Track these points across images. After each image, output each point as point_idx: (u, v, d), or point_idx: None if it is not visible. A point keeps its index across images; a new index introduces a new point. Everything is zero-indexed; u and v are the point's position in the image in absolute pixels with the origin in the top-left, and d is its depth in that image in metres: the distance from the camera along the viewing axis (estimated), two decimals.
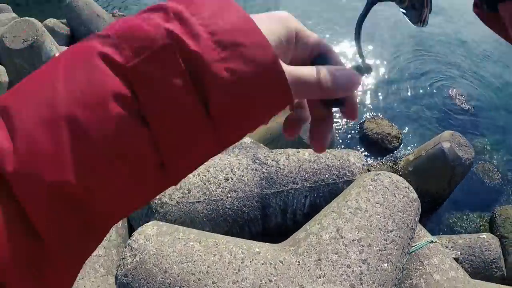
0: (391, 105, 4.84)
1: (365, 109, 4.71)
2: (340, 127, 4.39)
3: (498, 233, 3.35)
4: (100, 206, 0.27)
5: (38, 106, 0.25)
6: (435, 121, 4.68)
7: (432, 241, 2.46)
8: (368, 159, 4.08)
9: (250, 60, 0.27)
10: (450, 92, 4.99)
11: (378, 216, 1.86)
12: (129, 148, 0.26)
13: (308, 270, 1.68)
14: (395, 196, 1.99)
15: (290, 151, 2.46)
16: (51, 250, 0.25)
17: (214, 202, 2.23)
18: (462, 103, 4.89)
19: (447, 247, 2.92)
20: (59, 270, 0.27)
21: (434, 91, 5.00)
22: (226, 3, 0.28)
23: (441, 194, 3.63)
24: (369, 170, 3.70)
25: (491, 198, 4.00)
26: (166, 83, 0.26)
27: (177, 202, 2.13)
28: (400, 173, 3.55)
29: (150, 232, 1.77)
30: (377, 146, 4.23)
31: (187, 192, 2.17)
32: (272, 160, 2.38)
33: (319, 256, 1.72)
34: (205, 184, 2.22)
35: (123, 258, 1.65)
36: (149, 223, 1.88)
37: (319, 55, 0.34)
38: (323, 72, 0.31)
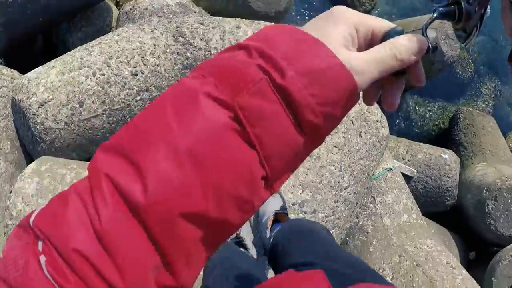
0: None
1: None
2: None
3: (457, 138, 3.05)
4: (221, 222, 0.31)
5: (158, 146, 0.29)
6: None
7: (390, 169, 2.07)
8: None
9: (328, 85, 0.31)
10: None
11: (333, 168, 1.35)
12: (244, 169, 0.30)
13: None
14: (361, 137, 1.45)
15: (228, 24, 1.72)
16: (173, 261, 0.30)
17: (118, 112, 1.59)
18: None
19: (404, 159, 2.58)
20: (178, 274, 0.31)
21: None
22: (296, 34, 0.32)
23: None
24: None
25: (459, 93, 3.60)
26: (266, 110, 0.30)
27: (65, 123, 1.46)
28: None
29: (29, 189, 1.30)
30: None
31: (77, 106, 1.48)
32: (201, 40, 1.66)
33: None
34: (103, 88, 1.53)
35: (5, 226, 1.31)
36: (28, 169, 1.40)
37: (384, 34, 0.36)
38: (395, 46, 0.35)
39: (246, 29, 1.70)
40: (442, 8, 0.41)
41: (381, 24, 0.36)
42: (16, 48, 2.06)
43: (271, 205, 1.46)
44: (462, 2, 0.40)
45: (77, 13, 2.20)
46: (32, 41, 2.29)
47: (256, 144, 0.30)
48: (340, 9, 0.35)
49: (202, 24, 1.67)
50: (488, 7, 0.40)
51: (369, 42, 0.36)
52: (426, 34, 0.39)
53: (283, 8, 2.43)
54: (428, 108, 3.49)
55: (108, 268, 0.28)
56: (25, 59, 2.14)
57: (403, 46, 0.35)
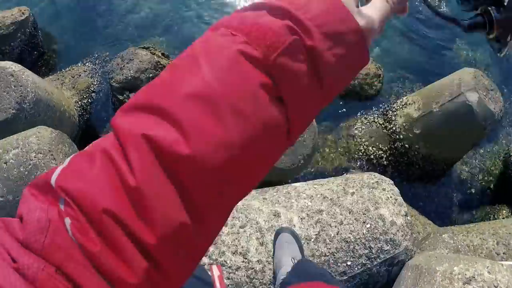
0: None
1: None
2: None
3: None
4: (246, 169, 0.33)
5: (194, 99, 0.30)
6: (415, 34, 3.39)
7: None
8: (347, 118, 3.06)
9: (348, 44, 0.35)
10: None
11: None
12: (272, 120, 0.33)
13: None
14: None
15: None
16: (204, 216, 0.31)
17: None
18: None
19: None
20: (207, 224, 0.32)
21: None
22: None
23: (457, 160, 2.80)
24: (353, 138, 2.81)
25: None
26: (296, 70, 0.33)
27: None
28: (402, 136, 2.71)
29: None
30: (354, 96, 3.05)
31: None
32: None
33: None
34: None
35: None
36: None
37: None
38: None
39: None
40: (471, 20, 0.41)
41: None
42: None
43: (286, 256, 1.55)
44: (491, 11, 0.39)
45: None
46: None
47: (286, 100, 0.33)
48: None
49: None
50: None
51: None
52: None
53: None
54: None
55: (138, 225, 0.28)
56: None
57: None
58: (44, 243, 0.26)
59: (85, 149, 0.32)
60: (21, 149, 1.83)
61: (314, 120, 2.23)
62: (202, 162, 0.29)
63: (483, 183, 2.90)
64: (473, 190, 2.86)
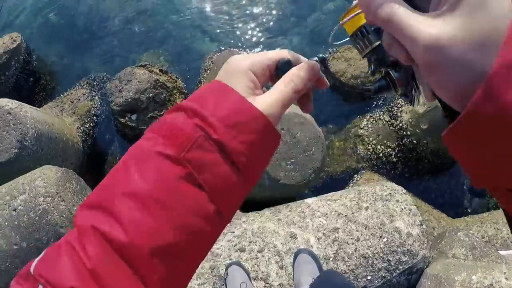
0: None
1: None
2: None
3: None
4: (186, 250, 0.38)
5: (126, 196, 0.36)
6: None
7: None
8: (353, 117, 3.03)
9: (251, 130, 0.39)
10: None
11: None
12: (197, 206, 0.38)
13: None
14: None
15: None
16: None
17: None
18: None
19: None
20: None
21: None
22: (221, 91, 0.41)
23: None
24: (360, 138, 2.77)
25: None
26: (208, 160, 0.38)
27: None
28: (409, 132, 2.68)
29: None
30: (357, 95, 3.00)
31: None
32: None
33: None
34: None
35: None
36: None
37: (277, 64, 0.44)
38: (291, 79, 0.42)
39: None
40: (376, 85, 0.45)
41: (272, 57, 0.44)
42: None
43: (306, 276, 1.57)
44: (390, 72, 0.44)
45: None
46: None
47: (205, 186, 0.38)
48: (232, 60, 0.44)
49: None
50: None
51: (270, 74, 0.45)
52: (316, 59, 0.45)
53: None
54: None
55: None
56: None
57: (298, 77, 0.42)
58: None
59: (56, 242, 0.38)
60: (28, 194, 1.82)
61: (321, 132, 2.20)
62: (141, 248, 0.35)
63: None
64: None
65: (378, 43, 0.44)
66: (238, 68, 0.43)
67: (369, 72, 0.47)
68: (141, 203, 0.36)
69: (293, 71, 0.43)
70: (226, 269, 1.70)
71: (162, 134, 0.39)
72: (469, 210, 2.78)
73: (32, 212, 1.79)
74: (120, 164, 0.40)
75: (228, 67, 0.44)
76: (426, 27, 0.29)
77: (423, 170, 2.80)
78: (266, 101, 0.41)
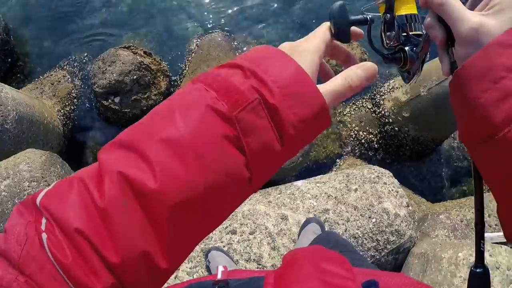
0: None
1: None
2: None
3: None
4: (209, 209, 0.37)
5: (166, 142, 0.35)
6: None
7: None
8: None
9: (307, 105, 0.39)
10: None
11: None
12: (233, 168, 0.37)
13: None
14: None
15: None
16: (167, 245, 0.36)
17: None
18: None
19: None
20: (169, 257, 0.36)
21: None
22: (285, 60, 0.40)
23: (446, 138, 2.86)
24: (343, 124, 2.83)
25: None
26: (257, 124, 0.37)
27: None
28: (391, 120, 2.74)
29: None
30: None
31: None
32: None
33: None
34: None
35: None
36: None
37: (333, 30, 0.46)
38: (349, 75, 0.43)
39: None
40: (390, 55, 0.50)
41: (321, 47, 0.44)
42: None
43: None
44: (406, 50, 0.48)
45: None
46: None
47: (246, 150, 0.37)
48: (297, 42, 0.44)
49: None
50: (428, 52, 0.49)
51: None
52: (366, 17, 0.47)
53: None
54: None
55: (105, 245, 0.32)
56: None
57: (355, 75, 0.43)
58: (21, 254, 0.31)
59: (69, 176, 0.37)
60: (12, 179, 1.75)
61: None
62: (168, 197, 0.33)
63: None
64: (463, 163, 2.95)
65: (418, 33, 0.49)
66: (306, 48, 0.43)
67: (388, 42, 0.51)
68: (180, 152, 0.35)
69: (353, 68, 0.43)
70: (206, 256, 1.70)
71: (214, 88, 0.38)
72: (447, 196, 2.89)
73: (17, 198, 1.73)
74: (164, 107, 0.39)
75: (294, 45, 0.44)
76: (471, 16, 0.42)
77: (403, 157, 2.88)
78: (321, 88, 0.41)
